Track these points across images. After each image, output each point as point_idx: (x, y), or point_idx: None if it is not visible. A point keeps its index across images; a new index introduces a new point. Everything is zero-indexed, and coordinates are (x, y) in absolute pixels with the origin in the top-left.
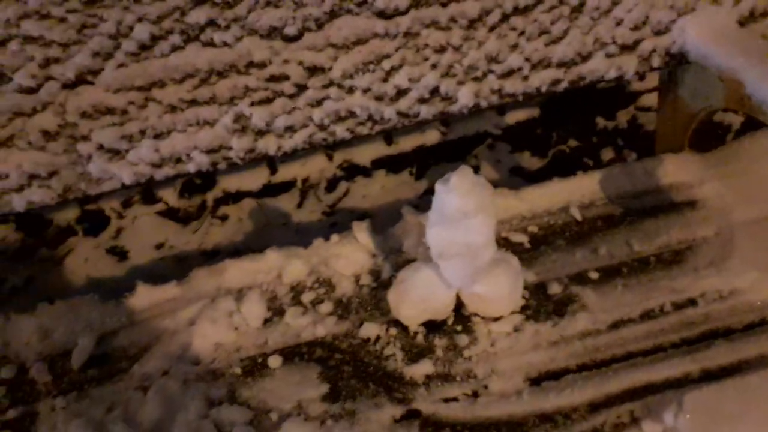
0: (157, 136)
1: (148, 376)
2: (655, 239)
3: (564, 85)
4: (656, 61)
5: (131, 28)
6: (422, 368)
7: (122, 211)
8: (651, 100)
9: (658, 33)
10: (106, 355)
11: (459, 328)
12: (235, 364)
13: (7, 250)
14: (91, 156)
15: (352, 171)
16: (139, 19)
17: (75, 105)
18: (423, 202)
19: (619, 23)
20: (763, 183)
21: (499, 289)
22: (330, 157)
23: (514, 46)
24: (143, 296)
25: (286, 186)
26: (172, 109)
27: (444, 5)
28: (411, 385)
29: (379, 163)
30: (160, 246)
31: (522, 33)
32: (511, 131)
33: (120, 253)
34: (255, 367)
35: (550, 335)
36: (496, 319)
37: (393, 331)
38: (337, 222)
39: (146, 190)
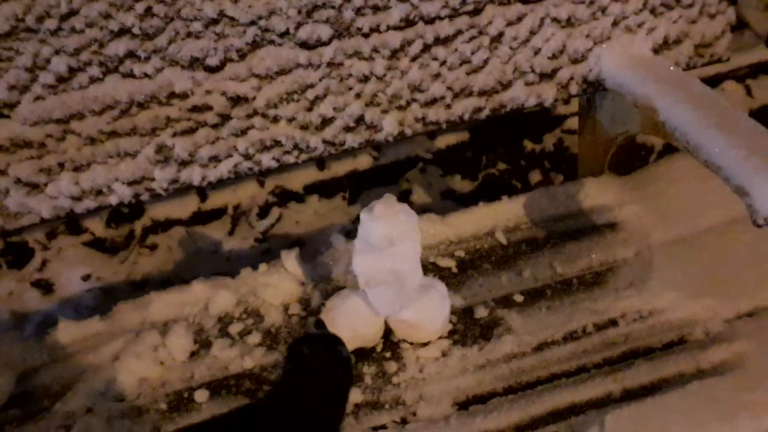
0: (77, 169)
1: (71, 415)
2: (578, 261)
3: (486, 112)
4: (574, 89)
5: (48, 61)
6: (351, 397)
7: (47, 243)
8: (576, 123)
9: (575, 61)
10: (28, 394)
11: (388, 354)
12: (161, 399)
13: None
14: (8, 190)
15: (284, 197)
16: (57, 52)
17: None
18: (356, 228)
19: (537, 52)
20: (680, 205)
21: (426, 315)
22: (261, 184)
23: (437, 76)
24: (66, 332)
25: (217, 213)
26: (92, 141)
27: (366, 36)
28: None
29: (311, 189)
30: (87, 277)
31: (443, 63)
32: (441, 155)
33: (45, 286)
34: (181, 402)
35: (477, 359)
36: (424, 345)
37: None
38: (270, 249)
39: (71, 221)
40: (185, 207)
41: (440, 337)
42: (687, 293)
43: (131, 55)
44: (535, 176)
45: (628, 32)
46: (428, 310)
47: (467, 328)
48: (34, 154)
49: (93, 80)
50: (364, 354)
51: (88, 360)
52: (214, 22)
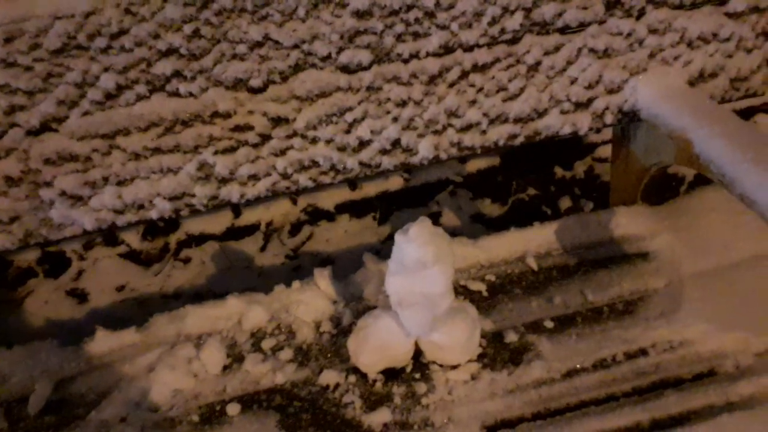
0: (120, 183)
1: (105, 423)
2: (608, 290)
3: (520, 139)
4: (609, 118)
5: (97, 78)
6: (380, 416)
7: (83, 253)
8: (607, 151)
9: (610, 92)
10: (64, 402)
11: (417, 375)
12: (194, 411)
13: None
14: (53, 202)
15: (316, 215)
16: (106, 69)
17: (39, 152)
18: (385, 247)
19: (573, 82)
20: (711, 236)
21: (456, 338)
22: (294, 202)
23: (473, 102)
24: (102, 341)
25: (250, 229)
26: (136, 156)
27: (405, 61)
28: None
29: (342, 208)
30: (121, 288)
31: (480, 89)
32: (472, 179)
33: (80, 296)
34: (213, 415)
35: (506, 384)
36: (454, 367)
37: (352, 378)
38: (300, 266)
39: (108, 233)
40: (219, 222)
41: (470, 360)
42: (718, 325)
43: (177, 74)
44: (565, 203)
45: (665, 64)
46: (459, 333)
47: (497, 353)
48: (80, 167)
49: (140, 98)
50: (394, 374)
51: (123, 370)
52: (259, 44)
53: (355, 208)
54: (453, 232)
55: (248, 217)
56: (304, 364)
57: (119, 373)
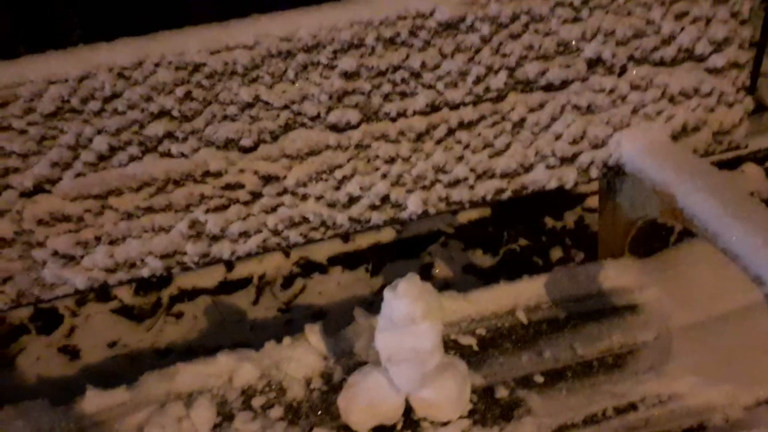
0: (112, 243)
1: None
2: (598, 343)
3: (508, 194)
4: (594, 173)
5: (90, 140)
6: None
7: (76, 309)
8: (597, 201)
9: (595, 146)
10: None
11: None
12: None
13: None
14: (45, 262)
15: (308, 268)
16: (99, 132)
17: (32, 213)
18: (378, 300)
19: (558, 137)
20: (699, 288)
21: (446, 394)
22: (287, 254)
23: (460, 158)
24: (93, 401)
25: (243, 283)
26: (128, 216)
27: (393, 120)
28: None
29: (335, 260)
30: (113, 344)
31: (467, 146)
32: (463, 230)
33: (72, 352)
34: None
35: None
36: (445, 424)
37: None
38: (292, 319)
39: (101, 288)
40: (212, 276)
41: (460, 417)
42: (706, 378)
43: (169, 135)
44: (556, 253)
45: (648, 119)
46: (448, 389)
47: (487, 408)
48: (72, 227)
49: (132, 159)
50: (384, 431)
51: (114, 429)
52: (250, 106)
53: (348, 261)
54: (445, 284)
55: (241, 270)
56: (294, 422)
57: None
